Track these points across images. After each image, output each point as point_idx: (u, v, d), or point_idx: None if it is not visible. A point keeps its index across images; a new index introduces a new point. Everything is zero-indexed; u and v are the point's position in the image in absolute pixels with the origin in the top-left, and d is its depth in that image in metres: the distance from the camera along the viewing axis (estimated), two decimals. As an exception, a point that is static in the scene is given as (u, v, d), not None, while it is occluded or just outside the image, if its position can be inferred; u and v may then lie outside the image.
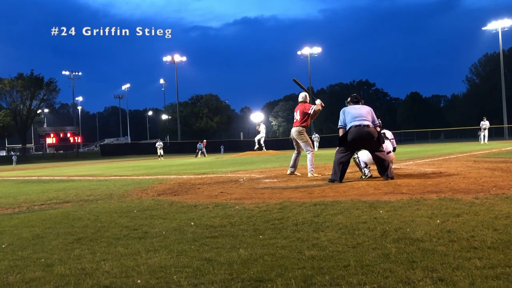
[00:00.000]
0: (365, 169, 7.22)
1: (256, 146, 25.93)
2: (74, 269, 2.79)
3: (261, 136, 25.05)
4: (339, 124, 7.08)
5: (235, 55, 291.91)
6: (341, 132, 7.03)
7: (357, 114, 6.89)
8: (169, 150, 40.07)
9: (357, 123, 6.79)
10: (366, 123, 6.81)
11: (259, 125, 25.40)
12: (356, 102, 7.26)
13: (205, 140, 36.82)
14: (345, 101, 7.50)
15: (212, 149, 50.24)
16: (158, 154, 34.18)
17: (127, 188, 7.83)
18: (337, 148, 7.09)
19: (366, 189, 5.74)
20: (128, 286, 2.43)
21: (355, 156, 7.31)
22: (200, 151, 36.78)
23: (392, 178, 6.63)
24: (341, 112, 7.10)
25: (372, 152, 6.84)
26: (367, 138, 6.75)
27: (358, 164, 7.35)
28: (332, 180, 6.76)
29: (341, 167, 6.75)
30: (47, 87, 65.78)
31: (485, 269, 2.35)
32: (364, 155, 7.13)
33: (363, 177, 7.14)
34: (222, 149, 51.87)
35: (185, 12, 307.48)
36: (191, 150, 50.79)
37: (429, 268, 2.42)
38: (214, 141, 63.85)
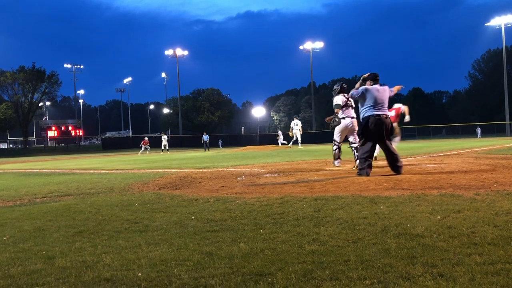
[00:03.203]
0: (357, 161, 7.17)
1: (292, 142, 25.99)
2: (75, 261, 2.81)
3: (296, 134, 24.92)
4: (353, 93, 6.65)
5: (237, 49, 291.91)
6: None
7: (380, 101, 6.55)
8: (170, 144, 40.28)
9: (379, 112, 6.53)
10: (386, 112, 6.65)
11: (291, 128, 24.96)
12: (376, 81, 6.76)
13: (146, 138, 36.43)
14: (359, 82, 6.93)
15: (211, 143, 50.23)
16: (165, 147, 33.92)
17: (128, 181, 7.85)
18: (358, 140, 6.88)
19: (367, 184, 5.74)
20: (128, 279, 2.44)
21: (353, 144, 7.30)
22: (205, 144, 36.99)
23: (399, 172, 6.59)
24: (362, 90, 6.63)
25: (383, 142, 6.70)
26: (384, 129, 6.59)
27: (354, 153, 7.38)
28: (360, 174, 6.70)
29: (367, 161, 6.65)
30: (49, 80, 65.63)
31: (485, 265, 2.36)
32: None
33: (355, 168, 7.14)
34: (220, 143, 51.87)
35: (189, 5, 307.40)
36: (192, 144, 50.82)
37: (429, 264, 2.42)
38: (214, 135, 63.77)
